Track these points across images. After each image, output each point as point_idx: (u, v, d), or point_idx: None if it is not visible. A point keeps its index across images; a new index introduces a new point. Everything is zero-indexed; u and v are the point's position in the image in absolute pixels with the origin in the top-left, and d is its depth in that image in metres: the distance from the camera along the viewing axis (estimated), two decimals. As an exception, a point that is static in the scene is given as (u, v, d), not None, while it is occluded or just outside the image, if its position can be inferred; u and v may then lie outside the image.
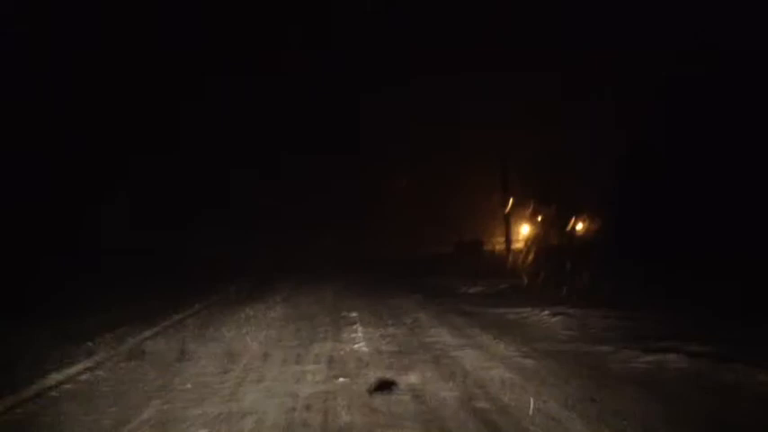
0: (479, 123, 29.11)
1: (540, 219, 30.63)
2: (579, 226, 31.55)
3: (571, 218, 29.66)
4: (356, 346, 6.69)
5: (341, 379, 5.09)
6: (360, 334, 7.48)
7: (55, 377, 5.36)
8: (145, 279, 14.95)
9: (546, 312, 8.66)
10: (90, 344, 6.96)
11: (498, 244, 34.60)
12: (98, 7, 17.22)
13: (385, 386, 4.76)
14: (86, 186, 17.30)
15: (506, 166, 26.46)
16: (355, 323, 8.41)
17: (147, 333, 7.87)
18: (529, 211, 29.21)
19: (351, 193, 33.76)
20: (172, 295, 12.13)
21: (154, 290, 13.17)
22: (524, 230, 37.83)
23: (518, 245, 33.70)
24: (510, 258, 22.27)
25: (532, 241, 28.97)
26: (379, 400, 4.41)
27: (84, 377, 5.50)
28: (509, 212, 21.61)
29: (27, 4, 14.66)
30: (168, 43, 20.99)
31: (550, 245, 26.16)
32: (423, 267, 19.41)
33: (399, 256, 27.70)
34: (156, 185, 23.24)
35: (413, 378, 5.02)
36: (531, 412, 3.95)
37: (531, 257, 22.50)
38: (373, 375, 5.13)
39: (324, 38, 28.34)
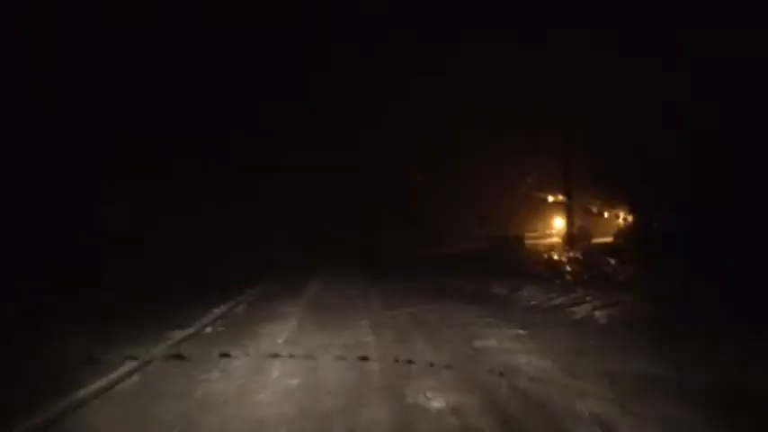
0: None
1: (592, 209, 26.02)
2: (622, 217, 26.89)
3: (627, 206, 24.99)
4: None
5: None
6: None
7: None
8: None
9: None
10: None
11: (541, 237, 30.34)
12: (98, 6, 16.92)
13: None
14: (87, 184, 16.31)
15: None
16: None
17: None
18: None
19: (366, 189, 31.52)
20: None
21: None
22: (557, 223, 32.72)
23: (553, 239, 29.11)
24: (575, 255, 17.44)
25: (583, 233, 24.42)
26: None
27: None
28: (569, 199, 17.03)
29: (27, 4, 14.57)
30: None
31: (628, 239, 21.33)
32: (469, 268, 14.69)
33: (428, 253, 23.18)
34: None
35: None
36: None
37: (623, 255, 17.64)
38: None
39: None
